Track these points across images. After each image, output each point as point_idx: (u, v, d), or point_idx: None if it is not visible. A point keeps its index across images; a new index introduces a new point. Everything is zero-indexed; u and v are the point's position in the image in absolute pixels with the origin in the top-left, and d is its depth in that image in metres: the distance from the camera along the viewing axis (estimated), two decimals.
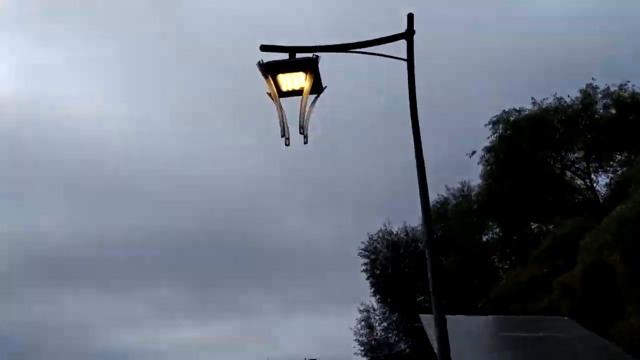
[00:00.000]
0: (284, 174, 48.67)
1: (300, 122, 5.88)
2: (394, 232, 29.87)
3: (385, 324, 29.68)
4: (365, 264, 29.50)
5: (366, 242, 29.76)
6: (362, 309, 29.99)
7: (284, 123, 5.86)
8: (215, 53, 49.01)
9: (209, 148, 55.24)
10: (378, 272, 29.31)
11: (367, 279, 29.39)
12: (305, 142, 5.83)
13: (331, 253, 44.77)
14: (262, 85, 5.98)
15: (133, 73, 53.44)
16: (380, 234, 29.80)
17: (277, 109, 5.89)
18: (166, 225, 52.05)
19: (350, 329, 29.52)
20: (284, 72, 5.78)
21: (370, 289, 29.25)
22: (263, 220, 52.50)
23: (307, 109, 5.92)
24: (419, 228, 30.84)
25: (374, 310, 29.98)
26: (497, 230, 29.02)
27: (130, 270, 51.44)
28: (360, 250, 29.66)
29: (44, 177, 53.34)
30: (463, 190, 30.84)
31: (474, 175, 26.55)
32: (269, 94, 5.93)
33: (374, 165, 46.15)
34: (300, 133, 5.82)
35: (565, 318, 12.15)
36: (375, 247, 29.65)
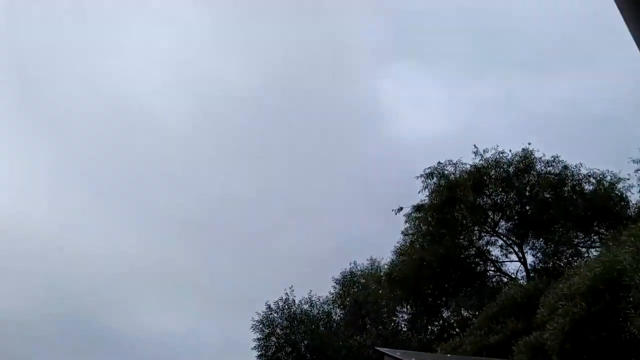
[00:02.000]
0: (151, 260, 42.38)
1: None
2: (297, 303, 25.61)
3: None
4: (258, 339, 24.66)
5: (262, 313, 25.12)
6: None
7: None
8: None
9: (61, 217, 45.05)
10: (273, 349, 24.53)
11: (259, 358, 24.43)
12: None
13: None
14: None
15: None
16: (280, 304, 25.38)
17: None
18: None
19: None
20: None
21: None
22: (113, 307, 43.43)
23: None
24: (325, 301, 27.00)
25: None
26: (409, 308, 26.10)
27: None
28: (254, 323, 24.91)
29: None
30: (372, 266, 28.18)
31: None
32: None
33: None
34: None
35: None
36: (273, 319, 25.04)
